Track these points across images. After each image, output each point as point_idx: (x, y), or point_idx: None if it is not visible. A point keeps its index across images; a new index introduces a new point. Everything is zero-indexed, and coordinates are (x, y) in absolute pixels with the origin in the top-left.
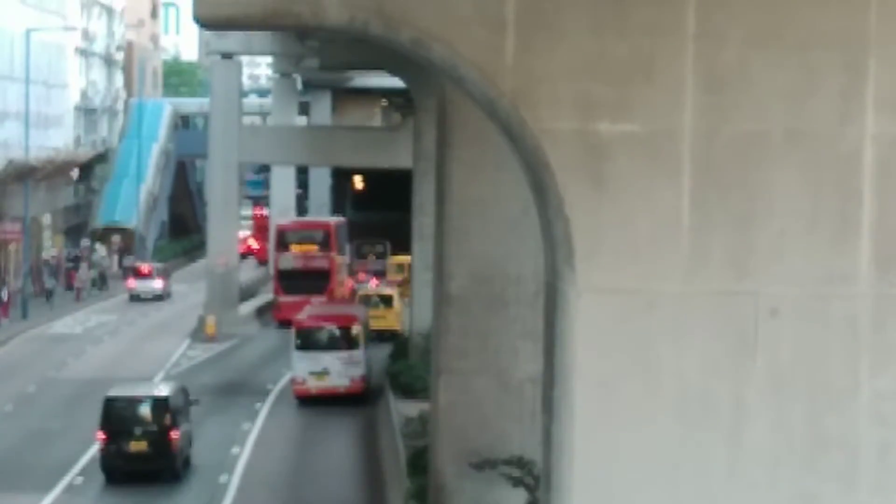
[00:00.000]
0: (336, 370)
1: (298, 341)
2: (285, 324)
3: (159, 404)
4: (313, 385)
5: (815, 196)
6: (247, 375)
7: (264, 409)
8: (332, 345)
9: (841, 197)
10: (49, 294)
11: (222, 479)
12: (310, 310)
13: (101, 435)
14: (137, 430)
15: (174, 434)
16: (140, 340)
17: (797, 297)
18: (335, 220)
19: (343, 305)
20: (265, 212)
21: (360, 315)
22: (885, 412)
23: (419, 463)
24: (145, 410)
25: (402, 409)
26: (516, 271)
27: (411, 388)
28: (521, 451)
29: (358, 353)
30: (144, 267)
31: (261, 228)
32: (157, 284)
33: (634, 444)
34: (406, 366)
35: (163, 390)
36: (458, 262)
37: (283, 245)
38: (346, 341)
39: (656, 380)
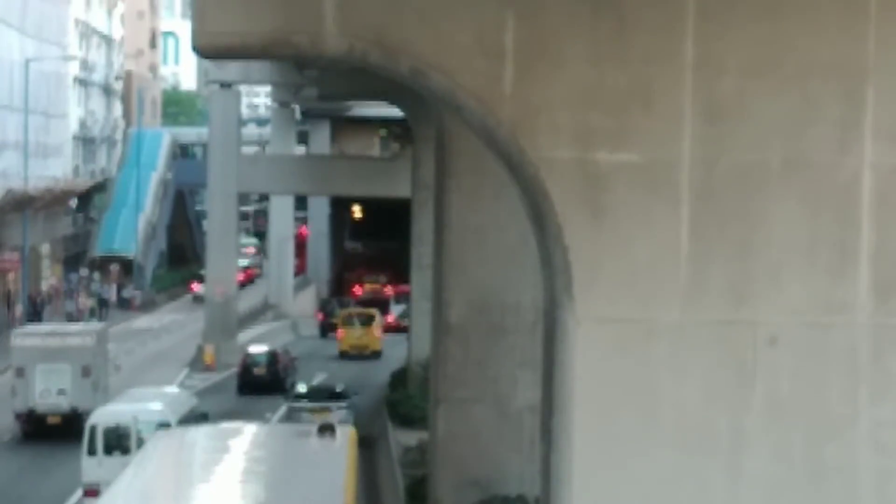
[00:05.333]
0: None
1: (394, 299)
2: None
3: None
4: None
5: (814, 225)
6: (246, 405)
7: None
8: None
9: (840, 226)
10: (71, 318)
11: None
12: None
13: (319, 314)
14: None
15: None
16: (138, 370)
17: (796, 325)
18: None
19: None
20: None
21: None
22: (885, 441)
23: (418, 492)
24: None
25: (401, 439)
26: (515, 300)
27: (410, 418)
28: (519, 480)
29: None
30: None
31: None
32: None
33: (634, 472)
34: (405, 395)
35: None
36: (457, 291)
37: (360, 282)
38: None
39: (655, 409)
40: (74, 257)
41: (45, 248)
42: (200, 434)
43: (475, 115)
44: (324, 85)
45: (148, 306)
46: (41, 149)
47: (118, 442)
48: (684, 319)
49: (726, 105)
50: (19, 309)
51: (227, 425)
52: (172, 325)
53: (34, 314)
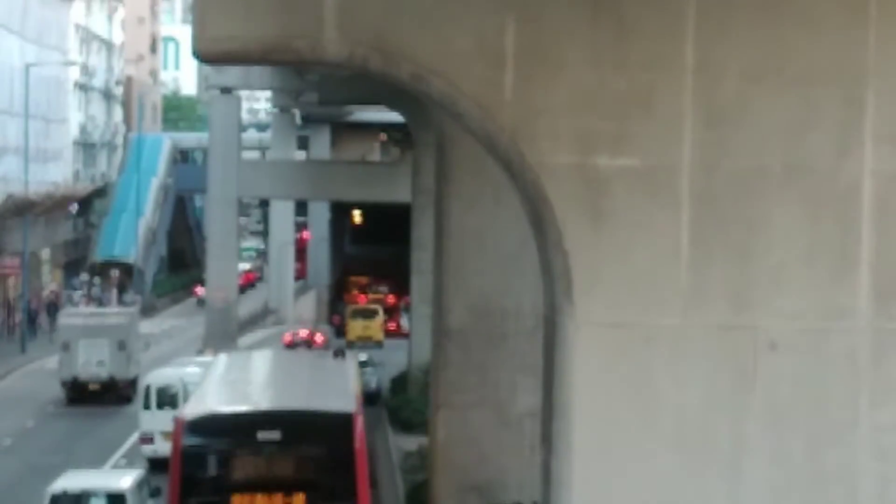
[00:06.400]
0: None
1: (403, 307)
2: None
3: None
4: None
5: (814, 230)
6: None
7: None
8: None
9: (840, 231)
10: None
11: None
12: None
13: (335, 317)
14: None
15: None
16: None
17: (796, 331)
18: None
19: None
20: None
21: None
22: (885, 446)
23: (418, 498)
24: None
25: (401, 444)
26: (515, 305)
27: (410, 423)
28: (519, 485)
29: None
30: None
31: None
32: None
33: (633, 477)
34: (405, 400)
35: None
36: (457, 296)
37: (363, 293)
38: None
39: (655, 413)
40: (75, 262)
41: (45, 254)
42: (254, 354)
43: (475, 121)
44: (324, 90)
45: (148, 311)
46: (41, 154)
47: (168, 399)
48: (684, 324)
49: (726, 110)
50: (19, 315)
51: (268, 350)
52: (173, 330)
53: (31, 322)
